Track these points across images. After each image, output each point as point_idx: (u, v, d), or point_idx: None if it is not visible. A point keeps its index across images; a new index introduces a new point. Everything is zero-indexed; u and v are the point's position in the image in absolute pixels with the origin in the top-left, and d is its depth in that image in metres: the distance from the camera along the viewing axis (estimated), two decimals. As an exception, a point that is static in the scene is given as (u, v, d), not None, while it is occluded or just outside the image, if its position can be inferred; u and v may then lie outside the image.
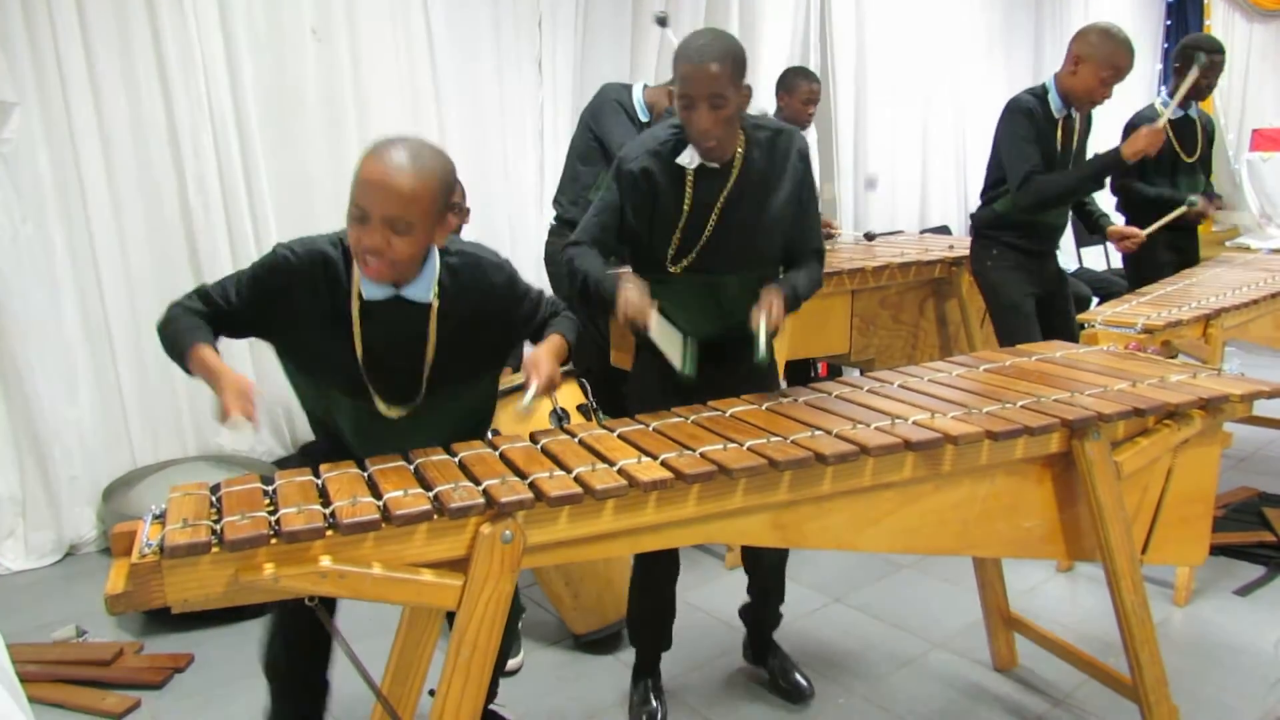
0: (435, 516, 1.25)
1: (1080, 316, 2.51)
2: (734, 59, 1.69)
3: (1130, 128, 3.20)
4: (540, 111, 3.78)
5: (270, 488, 1.31)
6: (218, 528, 1.18)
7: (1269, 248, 4.00)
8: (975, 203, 5.87)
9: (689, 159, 1.77)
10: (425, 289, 1.51)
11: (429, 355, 1.54)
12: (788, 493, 1.44)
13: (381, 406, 1.55)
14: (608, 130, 3.01)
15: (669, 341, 1.75)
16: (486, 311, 1.59)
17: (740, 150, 1.79)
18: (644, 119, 3.02)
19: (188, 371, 1.44)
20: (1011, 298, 2.87)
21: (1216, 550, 2.73)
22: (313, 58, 3.28)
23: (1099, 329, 2.40)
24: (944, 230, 5.33)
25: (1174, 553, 1.85)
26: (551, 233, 3.27)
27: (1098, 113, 2.85)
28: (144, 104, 2.97)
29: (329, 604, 1.54)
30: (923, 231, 5.19)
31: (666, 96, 2.97)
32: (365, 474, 1.36)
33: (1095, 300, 4.17)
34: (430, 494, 1.28)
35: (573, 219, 3.15)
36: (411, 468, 1.38)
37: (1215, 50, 3.20)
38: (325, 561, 1.19)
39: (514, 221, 3.76)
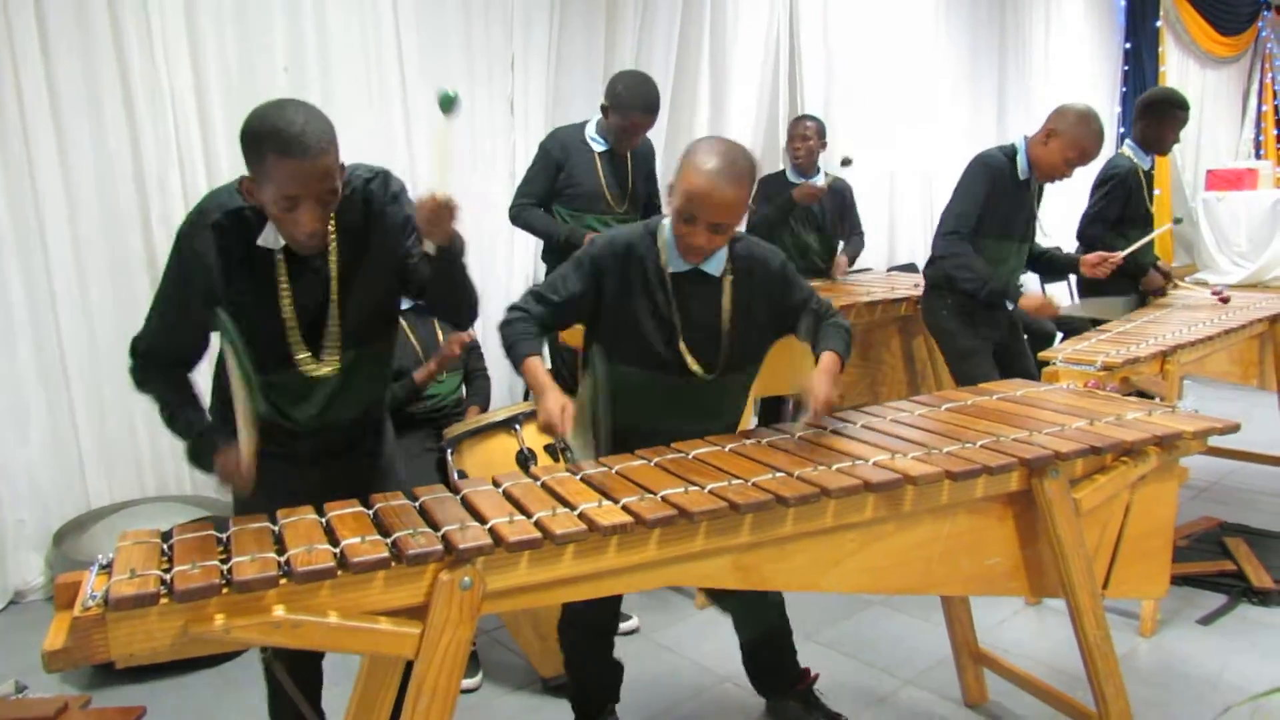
0: (393, 564, 1.23)
1: (1041, 355, 2.55)
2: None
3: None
4: (513, 153, 3.80)
5: (224, 535, 1.29)
6: (168, 577, 1.16)
7: (1224, 284, 4.11)
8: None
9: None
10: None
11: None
12: (749, 535, 1.44)
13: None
14: None
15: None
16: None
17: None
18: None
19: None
20: (969, 343, 2.89)
21: (1180, 580, 2.77)
22: (284, 96, 3.28)
23: (1059, 366, 2.44)
24: (911, 268, 5.40)
25: (1135, 587, 1.87)
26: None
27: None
28: (109, 141, 2.93)
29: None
30: (890, 269, 5.26)
31: None
32: (323, 520, 1.34)
33: (1060, 336, 4.23)
34: (388, 540, 1.26)
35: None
36: (370, 513, 1.36)
37: (1186, 107, 3.36)
38: (279, 611, 1.17)
39: (484, 259, 3.75)
